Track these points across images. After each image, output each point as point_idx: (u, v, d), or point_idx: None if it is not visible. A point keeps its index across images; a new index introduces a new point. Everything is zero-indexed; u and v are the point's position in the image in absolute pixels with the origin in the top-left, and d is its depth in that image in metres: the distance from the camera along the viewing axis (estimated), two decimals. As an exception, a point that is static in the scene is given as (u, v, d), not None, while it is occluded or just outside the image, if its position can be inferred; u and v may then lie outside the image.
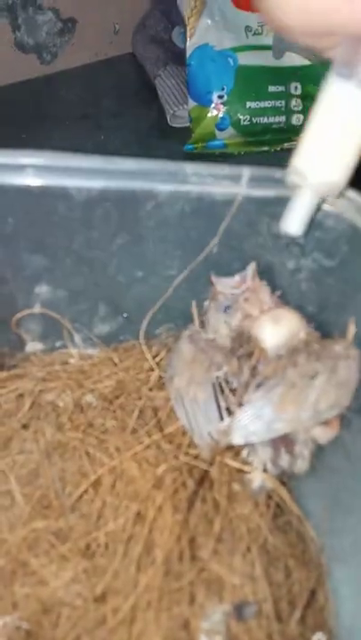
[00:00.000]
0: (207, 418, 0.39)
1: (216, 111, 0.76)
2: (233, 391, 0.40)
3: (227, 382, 0.40)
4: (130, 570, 0.34)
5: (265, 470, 0.40)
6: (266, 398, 0.37)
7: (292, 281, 0.44)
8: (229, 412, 0.38)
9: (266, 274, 0.44)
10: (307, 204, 0.29)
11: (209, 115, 0.76)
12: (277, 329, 0.42)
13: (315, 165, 0.26)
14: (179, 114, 0.80)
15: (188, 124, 0.78)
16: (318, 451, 0.42)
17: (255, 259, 0.44)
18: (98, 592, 0.34)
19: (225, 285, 0.43)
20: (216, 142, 0.78)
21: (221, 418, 0.38)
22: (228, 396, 0.39)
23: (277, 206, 0.41)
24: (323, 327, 0.43)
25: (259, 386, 0.39)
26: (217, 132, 0.77)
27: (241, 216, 0.40)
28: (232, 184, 0.39)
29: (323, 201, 0.28)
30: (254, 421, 0.37)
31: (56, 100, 0.88)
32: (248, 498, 0.40)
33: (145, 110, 0.84)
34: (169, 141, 0.78)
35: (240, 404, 0.38)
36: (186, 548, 0.35)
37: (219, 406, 0.39)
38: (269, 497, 0.40)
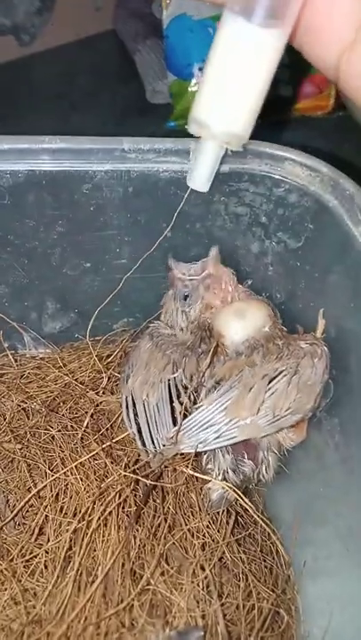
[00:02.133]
0: (159, 422, 0.35)
1: (198, 84, 0.70)
2: (191, 393, 0.36)
3: (183, 386, 0.36)
4: (66, 591, 0.31)
5: (225, 479, 0.36)
6: (218, 403, 0.33)
7: (257, 265, 0.40)
8: (185, 417, 0.35)
9: (229, 259, 0.40)
10: (211, 157, 0.26)
11: (190, 89, 0.70)
12: (242, 324, 0.37)
13: (216, 114, 0.23)
14: (159, 89, 0.75)
15: (169, 101, 0.73)
16: (289, 454, 0.38)
17: (215, 242, 0.39)
18: (34, 615, 0.31)
19: (184, 271, 0.39)
20: (199, 118, 0.73)
21: (175, 423, 0.35)
22: (183, 400, 0.35)
23: (234, 182, 0.37)
24: (291, 316, 0.39)
25: (212, 389, 0.35)
26: None
27: (193, 195, 0.36)
28: (179, 160, 0.35)
29: (226, 153, 0.25)
30: (205, 429, 0.33)
31: (34, 82, 0.84)
32: (206, 510, 0.36)
33: (125, 88, 0.80)
34: (149, 119, 0.74)
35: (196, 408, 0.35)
36: (128, 567, 0.32)
37: (173, 410, 0.35)
38: (229, 508, 0.36)
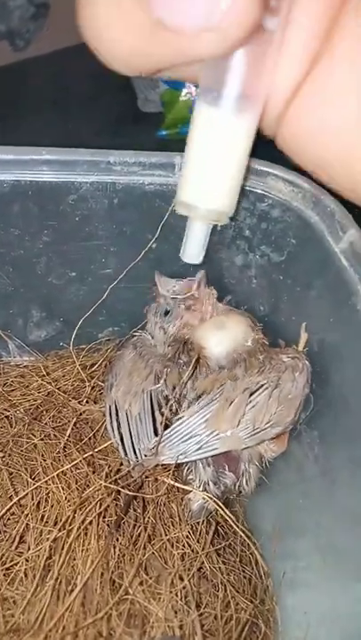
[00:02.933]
0: (141, 432, 0.35)
1: (189, 94, 0.71)
2: (173, 404, 0.36)
3: (165, 397, 0.36)
4: (45, 600, 0.31)
5: (206, 491, 0.36)
6: (199, 415, 0.34)
7: (241, 278, 0.40)
8: (166, 428, 0.35)
9: (213, 271, 0.40)
10: (200, 234, 0.27)
11: (181, 98, 0.71)
12: (222, 335, 0.38)
13: (200, 196, 0.24)
14: (150, 98, 0.75)
15: (160, 109, 0.73)
16: (270, 465, 0.38)
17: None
18: (12, 624, 0.32)
19: (168, 287, 0.39)
20: (190, 127, 0.74)
21: (156, 433, 0.35)
22: (165, 411, 0.35)
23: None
24: (274, 329, 0.39)
25: (194, 401, 0.35)
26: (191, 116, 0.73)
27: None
28: (164, 173, 0.35)
29: (217, 225, 0.26)
30: (185, 440, 0.33)
31: (28, 88, 0.84)
32: (186, 520, 0.36)
33: (118, 96, 0.80)
34: (141, 127, 0.74)
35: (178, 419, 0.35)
36: (107, 577, 0.32)
37: (154, 420, 0.36)
38: (210, 519, 0.36)
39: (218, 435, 0.33)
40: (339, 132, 0.17)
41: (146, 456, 0.34)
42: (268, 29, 0.16)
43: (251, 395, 0.33)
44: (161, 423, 0.35)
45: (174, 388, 0.37)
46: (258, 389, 0.34)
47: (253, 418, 0.33)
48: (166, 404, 0.36)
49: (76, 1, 0.16)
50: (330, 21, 0.16)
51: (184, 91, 0.71)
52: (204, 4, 0.14)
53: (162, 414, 0.35)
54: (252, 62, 0.18)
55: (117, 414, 0.37)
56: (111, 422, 0.36)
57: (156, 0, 0.14)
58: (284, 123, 0.18)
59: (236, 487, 0.37)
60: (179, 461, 0.33)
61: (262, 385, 0.34)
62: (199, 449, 0.33)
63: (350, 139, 0.17)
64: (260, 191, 0.35)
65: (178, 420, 0.34)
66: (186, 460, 0.33)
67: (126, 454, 0.35)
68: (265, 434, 0.34)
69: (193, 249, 0.28)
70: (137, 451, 0.35)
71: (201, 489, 0.36)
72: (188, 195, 0.24)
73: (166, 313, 0.39)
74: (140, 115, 0.76)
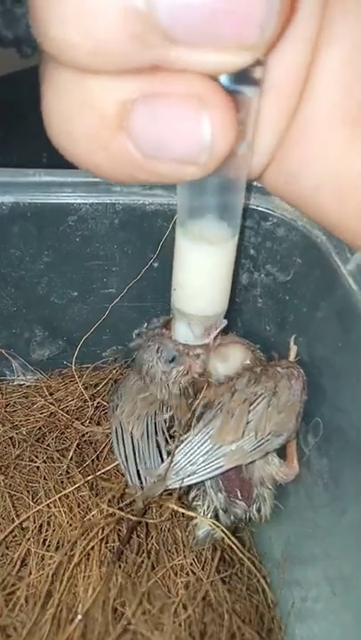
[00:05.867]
0: (145, 456, 0.35)
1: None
2: (173, 433, 0.35)
3: (168, 423, 0.35)
4: (45, 628, 0.31)
5: (216, 517, 0.35)
6: (203, 432, 0.33)
7: (246, 297, 0.39)
8: (168, 453, 0.34)
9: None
10: (195, 329, 0.30)
11: None
12: (224, 368, 0.37)
13: (191, 306, 0.27)
14: None
15: None
16: (280, 492, 0.37)
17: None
18: (12, 653, 0.31)
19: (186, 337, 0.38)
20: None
21: (162, 459, 0.34)
22: (167, 437, 0.35)
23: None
24: (281, 348, 0.38)
25: (198, 419, 0.34)
26: None
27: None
28: (164, 193, 0.34)
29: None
30: (192, 460, 0.33)
31: (37, 95, 0.84)
32: (191, 546, 0.35)
33: None
34: None
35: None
36: (109, 606, 0.32)
37: (158, 445, 0.35)
38: (215, 545, 0.36)
39: (223, 450, 0.32)
40: (327, 174, 0.17)
41: (152, 481, 0.34)
42: (239, 153, 0.17)
43: (250, 405, 0.33)
44: (165, 448, 0.34)
45: (177, 418, 0.36)
46: (257, 399, 0.33)
47: (255, 427, 0.32)
48: (169, 430, 0.35)
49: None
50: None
51: None
52: (191, 142, 0.13)
53: (165, 440, 0.35)
54: (221, 185, 0.18)
55: (123, 436, 0.36)
56: (117, 444, 0.36)
57: (141, 134, 0.13)
58: (268, 174, 0.18)
59: (247, 515, 0.36)
60: (186, 484, 0.33)
61: (260, 394, 0.33)
62: (205, 468, 0.33)
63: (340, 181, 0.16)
64: (264, 210, 0.34)
65: (183, 441, 0.33)
66: (193, 481, 0.33)
67: (132, 478, 0.34)
68: (269, 444, 0.33)
69: (188, 337, 0.31)
70: (141, 475, 0.34)
71: (210, 515, 0.35)
72: (179, 304, 0.27)
73: (172, 359, 0.37)
74: None
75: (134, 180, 0.15)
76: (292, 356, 0.36)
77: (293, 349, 0.36)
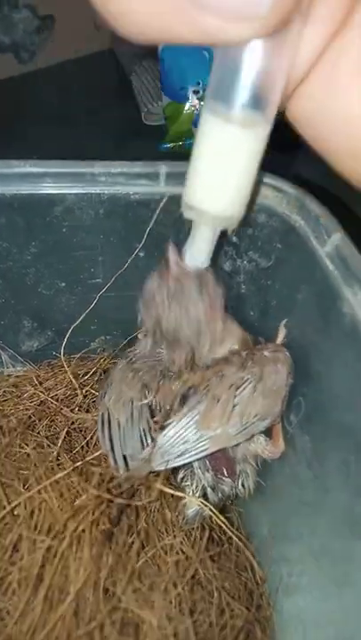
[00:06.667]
0: (130, 441, 0.36)
1: (192, 107, 0.71)
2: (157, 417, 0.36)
3: (151, 409, 0.36)
4: (37, 609, 0.32)
5: (205, 496, 0.36)
6: (188, 417, 0.34)
7: (230, 284, 0.40)
8: (152, 438, 0.35)
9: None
10: (207, 238, 0.27)
11: (185, 111, 0.71)
12: (219, 350, 0.38)
13: (207, 202, 0.24)
14: (153, 111, 0.76)
15: (163, 122, 0.74)
16: (265, 471, 0.38)
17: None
18: (5, 635, 0.32)
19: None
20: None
21: (143, 443, 0.35)
22: (151, 421, 0.35)
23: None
24: (265, 333, 0.39)
25: (183, 402, 0.35)
26: (194, 130, 0.72)
27: (163, 216, 0.37)
28: (149, 183, 0.35)
29: (225, 231, 0.26)
30: (177, 444, 0.34)
31: (33, 100, 0.85)
32: (180, 526, 0.36)
33: (121, 108, 0.81)
34: (144, 141, 0.75)
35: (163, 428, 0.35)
36: (100, 585, 0.32)
37: (142, 430, 0.36)
38: (204, 525, 0.36)
39: (208, 434, 0.33)
40: (345, 120, 0.17)
41: (137, 463, 0.34)
42: (291, 27, 0.15)
43: (236, 390, 0.33)
44: (150, 431, 0.35)
45: (164, 400, 0.37)
46: (243, 384, 0.34)
47: (241, 412, 0.33)
48: (153, 416, 0.36)
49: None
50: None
51: (187, 104, 0.71)
52: None
53: (149, 424, 0.36)
54: (268, 62, 0.17)
55: (109, 423, 0.37)
56: (102, 430, 0.37)
57: None
58: (293, 101, 0.18)
59: (234, 491, 0.37)
60: (171, 466, 0.33)
61: (247, 379, 0.34)
62: (190, 451, 0.33)
63: (356, 130, 0.17)
64: (244, 197, 0.36)
65: (168, 425, 0.34)
66: (178, 463, 0.33)
67: (116, 463, 0.35)
68: (254, 427, 0.34)
69: (199, 253, 0.28)
70: (127, 458, 0.35)
71: (199, 494, 0.36)
72: (194, 199, 0.24)
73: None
74: (144, 127, 0.77)
75: (172, 37, 0.14)
76: (280, 338, 0.36)
77: (282, 331, 0.37)
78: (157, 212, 0.36)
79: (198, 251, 0.28)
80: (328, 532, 0.34)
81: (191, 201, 0.24)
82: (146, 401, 0.36)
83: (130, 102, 0.81)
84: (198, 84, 0.72)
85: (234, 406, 0.33)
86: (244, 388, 0.34)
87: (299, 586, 0.36)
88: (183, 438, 0.34)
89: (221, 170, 0.22)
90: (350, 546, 0.31)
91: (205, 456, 0.35)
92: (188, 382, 0.36)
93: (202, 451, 0.34)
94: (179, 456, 0.34)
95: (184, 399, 0.35)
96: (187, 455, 0.34)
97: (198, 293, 0.36)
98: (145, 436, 0.35)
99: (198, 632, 0.33)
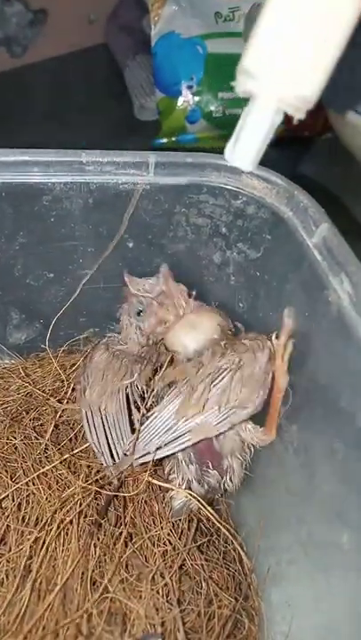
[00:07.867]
0: (118, 433, 0.36)
1: (186, 102, 0.71)
2: (149, 401, 0.36)
3: (140, 395, 0.36)
4: (25, 599, 0.32)
5: (190, 488, 0.36)
6: (169, 408, 0.34)
7: (220, 276, 0.40)
8: (140, 425, 0.35)
9: (192, 270, 0.41)
10: (263, 125, 0.19)
11: (178, 106, 0.71)
12: (194, 335, 0.38)
13: (279, 70, 0.17)
14: (147, 106, 0.75)
15: (157, 117, 0.73)
16: (253, 462, 0.38)
17: (177, 254, 0.40)
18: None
19: (139, 287, 0.39)
20: (187, 136, 0.73)
21: (133, 431, 0.35)
22: (140, 408, 0.35)
23: (193, 194, 0.37)
24: (255, 323, 0.39)
25: (163, 391, 0.35)
26: (188, 125, 0.72)
27: (152, 207, 0.37)
28: (138, 172, 0.35)
29: (282, 124, 0.19)
30: (159, 435, 0.34)
31: (26, 95, 0.84)
32: (168, 517, 0.36)
33: (114, 103, 0.80)
34: (137, 135, 0.74)
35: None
36: (88, 576, 0.32)
37: (131, 418, 0.36)
38: (192, 516, 0.36)
39: (188, 424, 0.33)
40: None
41: (124, 455, 0.34)
42: None
43: (214, 379, 0.33)
44: (138, 420, 0.35)
45: (148, 382, 0.37)
46: (221, 373, 0.34)
47: (218, 400, 0.33)
48: (142, 402, 0.36)
49: None
50: None
51: (180, 99, 0.71)
52: None
53: (138, 410, 0.36)
54: None
55: (94, 418, 0.37)
56: (89, 427, 0.36)
57: None
58: None
59: (222, 485, 0.37)
60: (153, 458, 0.33)
61: (225, 368, 0.34)
62: (173, 441, 0.33)
63: None
64: (234, 188, 0.36)
65: (150, 415, 0.34)
66: (162, 454, 0.33)
67: (105, 458, 0.35)
68: (235, 416, 0.33)
69: (247, 147, 0.20)
70: (114, 451, 0.35)
71: (184, 487, 0.36)
72: (257, 64, 0.17)
73: (139, 312, 0.39)
74: (137, 123, 0.76)
75: None
76: (285, 331, 0.35)
77: (288, 320, 0.35)
78: (136, 198, 0.36)
79: (247, 145, 0.21)
80: (316, 521, 0.34)
81: (255, 66, 0.17)
82: (132, 379, 0.36)
83: (123, 98, 0.81)
84: (192, 78, 0.71)
85: (210, 395, 0.33)
86: (222, 377, 0.34)
87: (287, 574, 0.36)
88: (164, 429, 0.34)
89: (309, 32, 0.17)
90: (338, 533, 0.31)
91: (190, 447, 0.35)
92: (169, 377, 0.36)
93: (185, 442, 0.34)
94: (161, 447, 0.34)
95: (165, 390, 0.35)
96: (170, 447, 0.34)
97: None
98: (134, 424, 0.35)
99: (186, 622, 0.33)
